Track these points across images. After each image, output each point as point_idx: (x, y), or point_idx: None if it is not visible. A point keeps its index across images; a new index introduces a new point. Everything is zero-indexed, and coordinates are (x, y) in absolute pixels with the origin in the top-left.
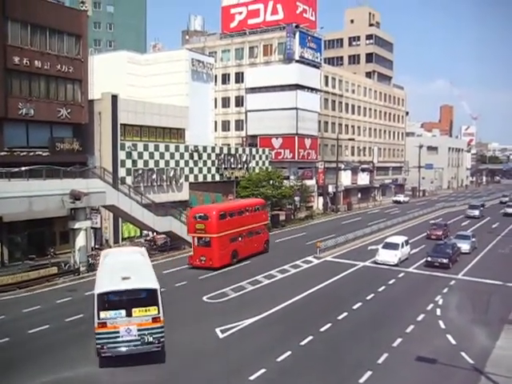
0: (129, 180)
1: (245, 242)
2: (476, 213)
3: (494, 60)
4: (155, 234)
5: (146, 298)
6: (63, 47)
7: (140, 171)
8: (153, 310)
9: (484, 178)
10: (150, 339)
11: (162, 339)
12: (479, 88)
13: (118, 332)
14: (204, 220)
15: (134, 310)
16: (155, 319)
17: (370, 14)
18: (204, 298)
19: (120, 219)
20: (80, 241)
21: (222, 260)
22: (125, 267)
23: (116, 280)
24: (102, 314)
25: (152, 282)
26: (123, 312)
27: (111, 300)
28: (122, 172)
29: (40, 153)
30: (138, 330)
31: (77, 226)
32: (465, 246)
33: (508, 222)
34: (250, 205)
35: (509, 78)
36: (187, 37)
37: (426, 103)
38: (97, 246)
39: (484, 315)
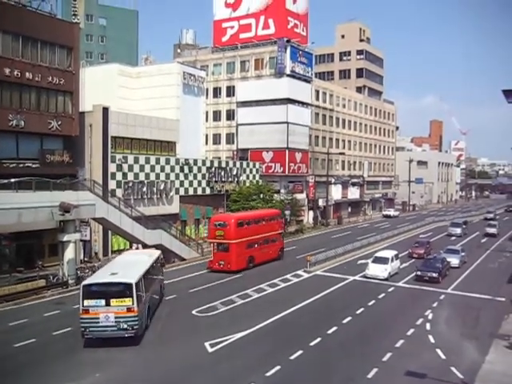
0: (119, 192)
1: (260, 249)
2: (458, 231)
3: (483, 76)
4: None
5: (122, 290)
6: (55, 59)
7: (130, 184)
8: (128, 301)
9: (473, 193)
10: (125, 326)
11: (135, 327)
12: (468, 104)
13: (98, 318)
14: (223, 227)
15: (112, 300)
16: (129, 309)
17: (360, 29)
18: (194, 312)
19: (110, 232)
20: (69, 253)
21: (239, 264)
22: (122, 265)
23: (105, 274)
24: (86, 302)
25: (130, 278)
26: (103, 301)
27: (93, 290)
28: (112, 184)
29: (30, 164)
30: (115, 318)
31: (66, 238)
32: (454, 261)
33: (496, 237)
34: (266, 215)
35: (497, 94)
36: (179, 50)
37: (415, 118)
38: (86, 259)
39: (473, 330)
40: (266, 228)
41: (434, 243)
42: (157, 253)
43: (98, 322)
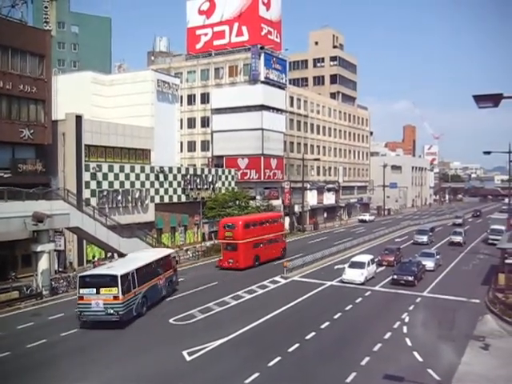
0: (93, 201)
1: (265, 248)
2: (424, 239)
3: (455, 82)
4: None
5: (110, 281)
6: (26, 67)
7: (105, 192)
8: (114, 291)
9: (447, 196)
10: (111, 311)
11: (120, 312)
12: (441, 109)
13: (90, 304)
14: (231, 229)
15: (101, 289)
16: (116, 297)
17: (333, 36)
18: (171, 321)
19: (84, 241)
20: (43, 264)
21: (246, 262)
22: (124, 260)
23: (102, 268)
24: (81, 291)
25: (117, 271)
26: (94, 290)
27: (87, 281)
28: (86, 193)
29: (1, 174)
30: (104, 304)
31: (39, 248)
32: (429, 264)
33: (469, 240)
34: (269, 217)
35: (468, 100)
36: (153, 58)
37: (389, 123)
38: (60, 269)
39: (449, 332)
40: (269, 229)
41: (405, 249)
42: (166, 251)
43: (90, 308)
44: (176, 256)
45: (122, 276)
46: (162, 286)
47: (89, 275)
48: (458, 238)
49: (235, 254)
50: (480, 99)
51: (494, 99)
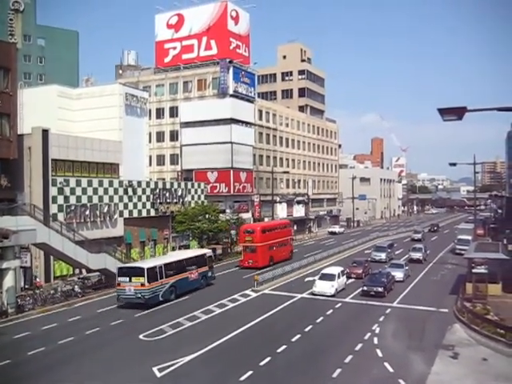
0: (61, 216)
1: (278, 251)
2: (382, 256)
3: (420, 95)
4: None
5: (139, 272)
6: None
7: (72, 207)
8: (141, 279)
9: (415, 208)
10: (139, 295)
11: (146, 296)
12: (408, 121)
13: (124, 289)
14: (251, 233)
15: (132, 278)
16: (142, 284)
17: (301, 50)
18: (141, 336)
19: (52, 257)
20: (8, 281)
21: (263, 262)
22: (160, 257)
23: (139, 262)
24: (119, 279)
25: (145, 265)
26: (127, 278)
27: (123, 271)
28: (53, 208)
29: None
30: (134, 290)
31: (5, 265)
32: (399, 275)
33: (437, 250)
34: (281, 224)
35: (434, 112)
36: (121, 71)
37: (357, 136)
38: (27, 286)
39: (419, 342)
40: (281, 234)
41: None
42: (201, 251)
43: (125, 292)
44: (212, 255)
45: (148, 268)
46: (193, 279)
47: (124, 267)
48: (418, 255)
49: (254, 255)
50: (445, 112)
51: (458, 112)
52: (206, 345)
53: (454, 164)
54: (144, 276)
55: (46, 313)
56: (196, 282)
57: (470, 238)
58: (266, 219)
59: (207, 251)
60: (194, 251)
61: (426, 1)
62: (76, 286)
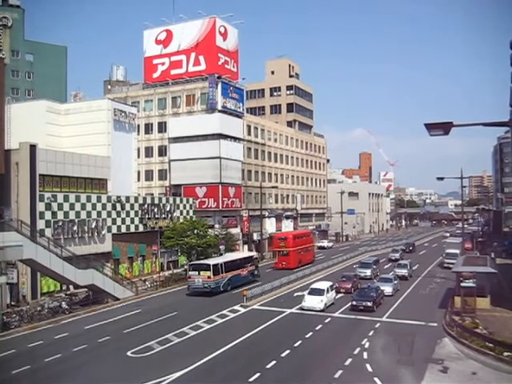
0: (48, 232)
1: (304, 255)
2: (367, 273)
3: (409, 110)
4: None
5: (205, 267)
6: None
7: (60, 223)
8: (208, 273)
9: (403, 222)
10: (206, 286)
11: (211, 286)
12: (395, 136)
13: (194, 281)
14: (284, 240)
15: (201, 272)
16: (209, 277)
17: (289, 65)
18: (128, 353)
19: (38, 273)
20: None
21: (294, 264)
22: (220, 257)
23: (205, 260)
24: (190, 272)
25: (210, 262)
26: (197, 272)
27: (193, 267)
28: (40, 224)
29: None
30: (202, 281)
31: None
32: (388, 289)
33: (426, 264)
34: (305, 233)
35: (421, 128)
36: (109, 87)
37: (346, 151)
38: (13, 303)
39: (409, 356)
40: (306, 241)
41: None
42: (249, 253)
43: (194, 283)
44: (257, 257)
45: (213, 265)
46: (244, 275)
47: (194, 263)
48: (403, 271)
49: (287, 258)
50: (431, 127)
51: (445, 127)
52: (194, 361)
53: (442, 178)
54: (210, 270)
55: (33, 330)
56: (246, 277)
57: (458, 251)
58: (255, 234)
59: (254, 254)
60: (245, 253)
61: (414, 20)
62: (63, 303)
